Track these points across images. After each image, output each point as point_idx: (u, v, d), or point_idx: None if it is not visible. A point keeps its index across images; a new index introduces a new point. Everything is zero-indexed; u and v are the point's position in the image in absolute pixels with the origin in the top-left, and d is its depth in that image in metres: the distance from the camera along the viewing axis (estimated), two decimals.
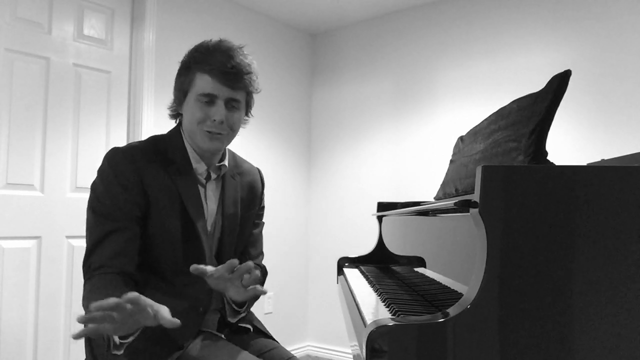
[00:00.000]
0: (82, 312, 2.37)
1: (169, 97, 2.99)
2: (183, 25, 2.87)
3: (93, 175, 2.58)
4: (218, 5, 3.08)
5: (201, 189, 1.27)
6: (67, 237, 2.39)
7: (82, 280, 2.39)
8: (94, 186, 1.18)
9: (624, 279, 0.77)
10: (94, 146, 2.51)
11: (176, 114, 1.28)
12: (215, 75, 1.15)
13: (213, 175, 1.29)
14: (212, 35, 3.01)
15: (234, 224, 1.32)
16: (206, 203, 1.27)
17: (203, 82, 1.16)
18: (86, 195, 2.43)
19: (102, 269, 1.09)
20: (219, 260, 1.30)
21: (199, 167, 1.26)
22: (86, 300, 1.01)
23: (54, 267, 2.34)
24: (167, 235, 1.18)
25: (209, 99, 1.17)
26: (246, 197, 1.37)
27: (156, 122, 2.68)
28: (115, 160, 1.18)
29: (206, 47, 1.18)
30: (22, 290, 2.23)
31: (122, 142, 2.62)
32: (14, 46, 2.25)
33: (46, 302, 2.30)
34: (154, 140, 1.26)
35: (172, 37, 2.80)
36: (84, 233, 2.38)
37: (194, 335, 1.17)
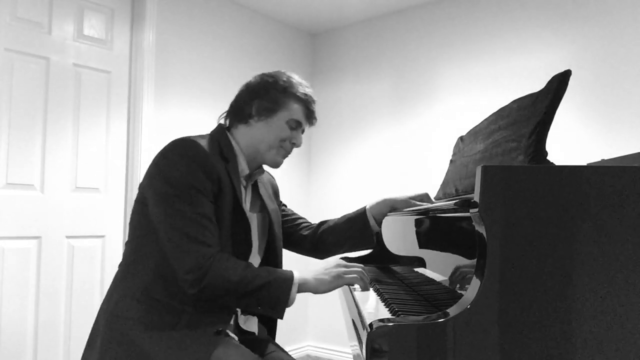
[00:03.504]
0: (80, 310, 2.38)
1: (168, 97, 2.96)
2: (183, 25, 2.87)
3: (93, 175, 2.57)
4: (218, 5, 3.08)
5: (243, 190, 1.35)
6: (67, 237, 2.39)
7: (83, 280, 2.40)
8: (169, 172, 1.18)
9: (624, 278, 0.77)
10: (94, 146, 2.51)
11: (240, 118, 1.34)
12: (307, 109, 1.35)
13: (253, 179, 1.40)
14: (212, 35, 3.01)
15: (279, 217, 1.49)
16: (246, 203, 1.37)
17: (298, 110, 1.34)
18: (86, 195, 2.45)
19: (218, 245, 1.16)
20: (268, 252, 1.42)
21: (244, 169, 1.34)
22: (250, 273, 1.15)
23: (54, 267, 2.34)
24: (222, 227, 1.21)
25: (296, 126, 1.34)
26: (272, 193, 1.52)
27: (156, 121, 2.68)
28: (190, 147, 1.20)
29: (300, 82, 1.36)
30: (22, 290, 2.23)
31: (122, 142, 2.62)
32: (14, 46, 2.25)
33: (46, 302, 2.30)
34: (208, 137, 1.30)
35: (172, 37, 2.80)
36: (83, 233, 2.41)
37: (229, 321, 1.23)
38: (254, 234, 1.36)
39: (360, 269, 1.23)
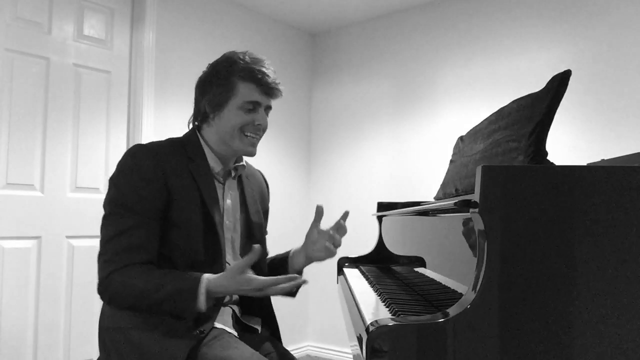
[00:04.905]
0: (80, 310, 2.38)
1: (168, 97, 2.97)
2: (183, 25, 2.87)
3: (93, 175, 2.58)
4: (218, 5, 3.08)
5: (219, 187, 1.34)
6: (67, 237, 2.39)
7: (83, 280, 2.40)
8: (115, 180, 1.22)
9: (623, 278, 0.77)
10: (94, 146, 2.51)
11: (200, 119, 1.33)
12: (260, 85, 1.26)
13: (233, 174, 1.38)
14: (212, 35, 3.01)
15: (260, 219, 1.45)
16: (223, 200, 1.34)
17: (248, 91, 1.26)
18: (86, 195, 2.45)
19: (127, 260, 1.16)
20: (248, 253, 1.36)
21: (216, 167, 1.33)
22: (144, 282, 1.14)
23: (54, 267, 2.34)
24: (188, 230, 1.22)
25: (253, 107, 1.27)
26: (259, 198, 1.48)
27: (156, 122, 2.68)
28: (138, 155, 1.23)
29: (244, 59, 1.28)
30: (22, 290, 2.23)
31: (122, 142, 2.62)
32: (14, 46, 2.25)
33: (46, 302, 2.30)
34: (173, 140, 1.32)
35: (172, 37, 2.80)
36: (83, 233, 2.41)
37: (211, 325, 1.20)
38: (235, 234, 1.35)
39: (272, 282, 1.14)
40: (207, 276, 1.15)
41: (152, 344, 1.13)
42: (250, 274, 1.15)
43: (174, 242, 1.22)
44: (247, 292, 1.14)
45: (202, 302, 1.13)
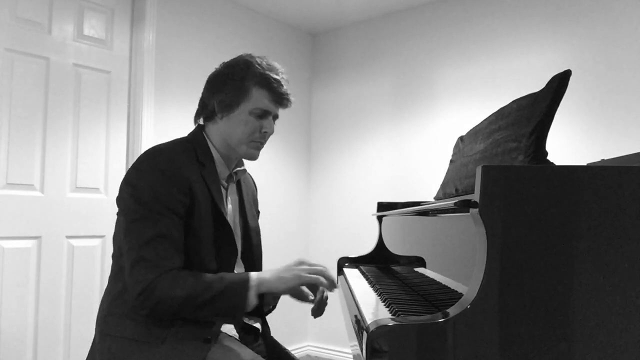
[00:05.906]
0: (80, 310, 2.38)
1: (168, 97, 2.96)
2: (183, 25, 2.87)
3: (93, 175, 2.57)
4: (218, 5, 3.08)
5: (223, 192, 1.32)
6: (67, 237, 2.39)
7: (83, 280, 2.40)
8: (139, 182, 1.17)
9: (623, 278, 0.77)
10: (94, 146, 2.51)
11: (206, 116, 1.31)
12: (273, 94, 1.26)
13: (235, 179, 1.37)
14: (212, 35, 3.01)
15: (256, 223, 1.44)
16: (227, 205, 1.33)
17: (261, 98, 1.25)
18: (86, 195, 2.46)
19: (171, 264, 1.12)
20: (246, 258, 1.37)
21: (223, 172, 1.31)
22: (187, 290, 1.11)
23: (54, 267, 2.34)
24: (201, 237, 1.20)
25: (263, 113, 1.26)
26: (252, 201, 1.47)
27: (156, 122, 2.68)
28: (161, 157, 1.19)
29: (260, 64, 1.26)
30: (22, 290, 2.23)
31: (122, 142, 2.62)
32: (14, 46, 2.25)
33: (46, 302, 2.30)
34: (184, 142, 1.28)
35: (172, 37, 2.80)
36: (83, 233, 2.41)
37: (218, 332, 1.19)
38: (237, 239, 1.34)
39: (322, 268, 1.18)
40: (253, 273, 1.17)
41: (163, 357, 1.09)
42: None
43: (188, 249, 1.19)
44: (292, 271, 1.15)
45: (252, 297, 1.13)
